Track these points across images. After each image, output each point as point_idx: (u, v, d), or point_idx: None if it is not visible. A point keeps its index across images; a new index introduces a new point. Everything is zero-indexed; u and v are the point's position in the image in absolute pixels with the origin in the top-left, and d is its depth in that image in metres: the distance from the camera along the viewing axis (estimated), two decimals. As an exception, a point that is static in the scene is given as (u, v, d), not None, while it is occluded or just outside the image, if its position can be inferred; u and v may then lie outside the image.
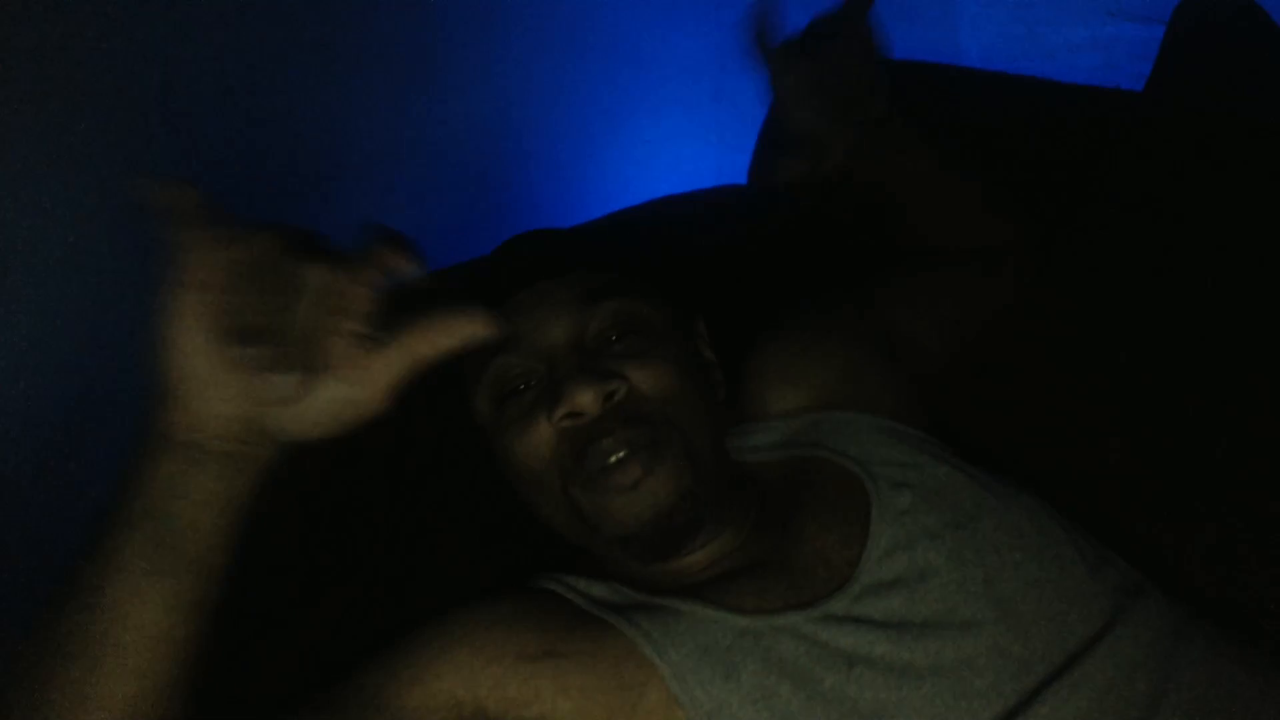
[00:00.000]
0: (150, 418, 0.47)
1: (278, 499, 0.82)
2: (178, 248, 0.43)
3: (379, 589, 0.79)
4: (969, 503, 0.63)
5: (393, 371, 0.47)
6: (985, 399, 0.80)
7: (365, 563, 0.81)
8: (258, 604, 0.78)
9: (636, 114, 1.18)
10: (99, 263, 0.80)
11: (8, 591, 0.73)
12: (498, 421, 0.65)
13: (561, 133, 1.18)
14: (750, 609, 0.59)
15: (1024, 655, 0.56)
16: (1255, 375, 0.73)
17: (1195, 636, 0.59)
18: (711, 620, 0.58)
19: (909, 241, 0.80)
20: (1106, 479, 0.74)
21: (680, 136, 1.19)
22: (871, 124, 0.72)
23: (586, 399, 0.60)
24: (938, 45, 1.14)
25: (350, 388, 0.46)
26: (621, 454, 0.60)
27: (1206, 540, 0.69)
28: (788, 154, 0.70)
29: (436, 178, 1.10)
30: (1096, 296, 0.81)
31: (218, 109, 0.91)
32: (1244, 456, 0.71)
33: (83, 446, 0.80)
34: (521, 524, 0.81)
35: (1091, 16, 1.07)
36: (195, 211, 0.43)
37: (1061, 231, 0.84)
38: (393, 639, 0.61)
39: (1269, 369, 0.73)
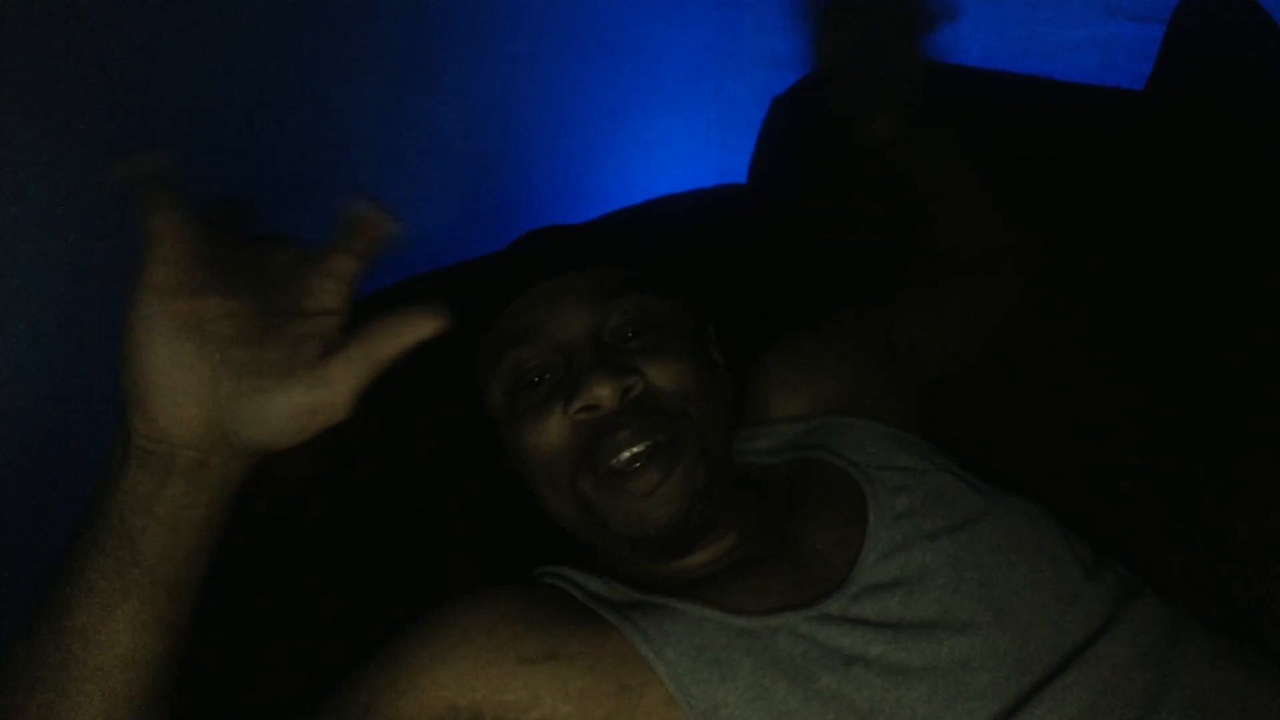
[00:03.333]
0: (116, 433, 0.46)
1: (275, 498, 0.82)
2: (145, 237, 0.43)
3: (376, 591, 0.79)
4: (966, 507, 0.63)
5: (354, 374, 0.46)
6: (983, 403, 0.80)
7: (363, 564, 0.81)
8: (255, 607, 0.78)
9: (636, 113, 1.18)
10: (98, 262, 0.80)
11: (8, 595, 0.73)
12: (510, 412, 0.65)
13: (561, 132, 1.18)
14: (748, 608, 0.59)
15: (1020, 656, 0.56)
16: (1256, 375, 0.73)
17: (1193, 638, 0.59)
18: (708, 620, 0.58)
19: (924, 241, 0.80)
20: (1105, 482, 0.74)
21: (680, 136, 1.19)
22: (909, 111, 0.72)
23: (605, 392, 0.60)
24: (938, 45, 1.13)
25: (313, 392, 0.45)
26: (637, 449, 0.60)
27: (1205, 542, 0.69)
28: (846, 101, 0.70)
29: (436, 178, 1.10)
30: (1095, 298, 0.81)
31: (217, 109, 0.91)
32: (1245, 458, 0.71)
33: (83, 448, 0.80)
34: (521, 522, 0.81)
35: (1091, 16, 1.07)
36: (165, 189, 0.43)
37: (1061, 232, 0.84)
38: (388, 643, 0.60)
39: (1270, 369, 0.73)
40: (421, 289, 0.95)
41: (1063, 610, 0.58)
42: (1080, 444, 0.76)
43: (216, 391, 0.45)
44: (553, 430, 0.62)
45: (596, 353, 0.63)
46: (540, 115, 1.16)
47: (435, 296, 0.94)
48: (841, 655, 0.56)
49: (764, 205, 1.07)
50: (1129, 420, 0.75)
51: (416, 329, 0.46)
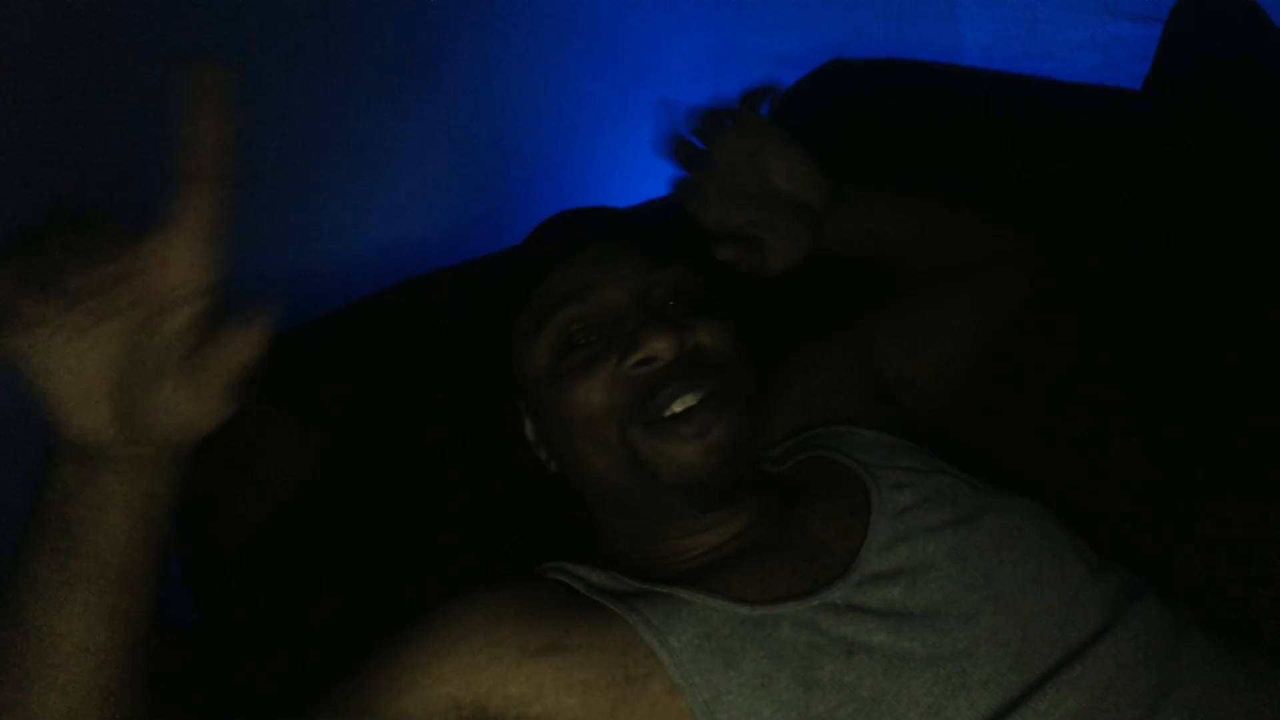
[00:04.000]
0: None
1: (278, 500, 0.82)
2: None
3: (376, 591, 0.79)
4: (968, 504, 0.64)
5: (220, 372, 0.43)
6: (983, 404, 0.80)
7: (363, 564, 0.81)
8: (254, 607, 0.78)
9: (636, 114, 1.18)
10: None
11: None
12: (554, 371, 0.66)
13: (561, 133, 1.18)
14: (751, 597, 0.59)
15: (1023, 649, 0.56)
16: (1256, 375, 0.73)
17: (1195, 638, 0.59)
18: (712, 608, 0.59)
19: (909, 272, 0.81)
20: (1105, 482, 0.74)
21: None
22: (823, 206, 0.71)
23: (663, 345, 0.62)
24: (938, 45, 1.13)
25: (196, 383, 0.43)
26: (690, 400, 0.62)
27: (1206, 542, 0.69)
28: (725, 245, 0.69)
29: (436, 178, 1.10)
30: (1095, 298, 0.81)
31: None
32: (1245, 457, 0.71)
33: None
34: (521, 522, 0.81)
35: (1091, 16, 1.07)
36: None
37: (1061, 232, 0.84)
38: (389, 641, 0.61)
39: (1270, 369, 0.73)
40: (421, 290, 0.96)
41: (1066, 606, 0.58)
42: (1080, 444, 0.76)
43: (124, 387, 0.43)
44: (602, 385, 0.64)
45: (649, 311, 0.65)
46: (540, 116, 1.16)
47: (436, 296, 0.94)
48: (844, 644, 0.57)
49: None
50: (1129, 420, 0.75)
51: (252, 338, 0.43)
